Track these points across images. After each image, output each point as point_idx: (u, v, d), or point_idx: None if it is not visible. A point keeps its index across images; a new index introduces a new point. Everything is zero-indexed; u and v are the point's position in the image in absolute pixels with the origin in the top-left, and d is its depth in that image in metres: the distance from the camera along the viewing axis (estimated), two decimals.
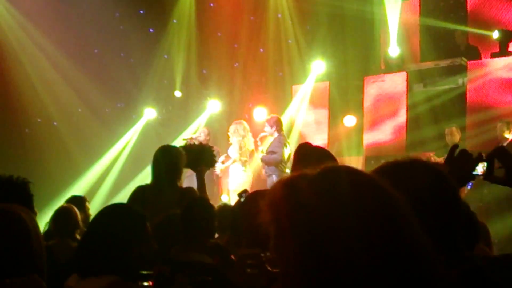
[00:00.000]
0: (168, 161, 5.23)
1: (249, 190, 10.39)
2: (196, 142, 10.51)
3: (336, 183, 1.33)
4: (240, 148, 10.37)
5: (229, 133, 10.66)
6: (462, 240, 1.92)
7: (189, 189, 5.44)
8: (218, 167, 10.46)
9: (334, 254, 1.25)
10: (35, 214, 3.30)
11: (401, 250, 1.27)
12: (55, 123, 12.78)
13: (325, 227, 1.28)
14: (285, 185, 1.38)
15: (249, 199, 3.76)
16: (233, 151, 10.49)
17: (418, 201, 1.80)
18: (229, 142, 10.63)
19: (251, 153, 10.64)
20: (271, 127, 10.11)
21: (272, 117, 10.41)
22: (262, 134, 10.39)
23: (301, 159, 3.74)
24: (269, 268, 2.48)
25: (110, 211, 3.07)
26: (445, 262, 1.52)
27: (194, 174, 10.37)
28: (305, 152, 3.80)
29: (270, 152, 9.94)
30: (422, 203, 1.82)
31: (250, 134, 10.59)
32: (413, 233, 1.31)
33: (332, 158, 3.67)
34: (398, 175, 1.90)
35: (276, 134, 10.13)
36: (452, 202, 1.91)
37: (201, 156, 5.41)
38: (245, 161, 10.46)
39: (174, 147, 5.50)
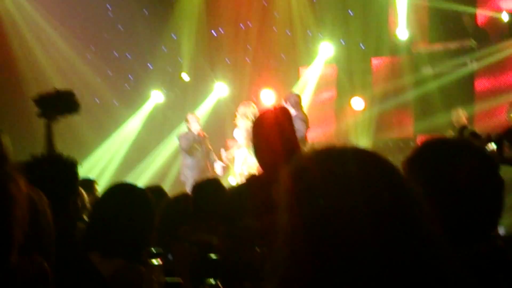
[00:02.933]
0: None
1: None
2: (191, 134, 10.53)
3: (344, 162, 1.33)
4: (248, 131, 10.33)
5: (237, 114, 10.54)
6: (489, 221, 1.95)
7: None
8: (219, 164, 10.40)
9: (340, 233, 1.25)
10: (78, 195, 3.30)
11: (407, 231, 1.26)
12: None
13: (331, 206, 1.28)
14: (295, 164, 1.38)
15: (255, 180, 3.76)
16: (239, 134, 10.40)
17: (462, 182, 1.84)
18: (234, 123, 10.53)
19: None
20: (293, 106, 9.99)
21: (291, 95, 10.31)
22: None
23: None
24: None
25: (115, 192, 3.07)
26: (469, 243, 1.52)
27: (194, 161, 10.40)
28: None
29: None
30: (464, 184, 1.84)
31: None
32: (420, 214, 1.30)
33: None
34: (447, 154, 1.91)
35: (294, 112, 10.01)
36: (496, 189, 1.93)
37: (58, 103, 4.81)
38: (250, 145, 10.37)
39: None
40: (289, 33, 13.59)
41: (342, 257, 1.25)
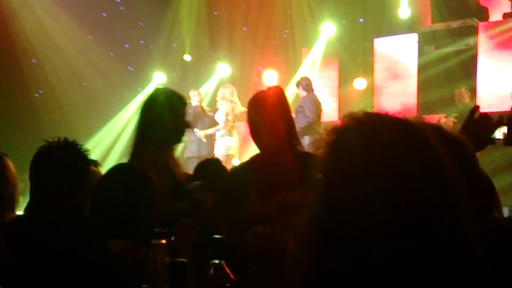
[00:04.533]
0: None
1: (236, 155, 10.51)
2: (191, 108, 10.57)
3: (380, 128, 1.33)
4: (227, 114, 10.33)
5: (216, 98, 10.62)
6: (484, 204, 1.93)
7: None
8: (200, 133, 10.46)
9: (383, 206, 1.24)
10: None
11: (446, 206, 1.26)
12: (64, 88, 12.78)
13: (361, 171, 1.27)
14: (335, 131, 1.37)
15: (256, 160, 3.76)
16: (219, 117, 10.42)
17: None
18: (216, 107, 10.58)
19: (241, 115, 10.55)
20: (304, 88, 10.01)
21: (302, 79, 10.36)
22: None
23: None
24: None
25: (116, 173, 3.09)
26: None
27: (199, 138, 10.42)
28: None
29: (299, 112, 9.76)
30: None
31: (237, 98, 10.53)
32: (457, 191, 1.30)
33: None
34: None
35: (304, 93, 10.03)
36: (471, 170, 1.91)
37: None
38: (232, 126, 10.42)
39: None
40: (291, 14, 13.54)
41: (368, 233, 1.24)
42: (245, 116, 10.67)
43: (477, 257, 1.27)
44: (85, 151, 3.06)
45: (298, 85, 10.31)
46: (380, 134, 1.32)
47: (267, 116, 3.54)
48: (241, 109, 10.39)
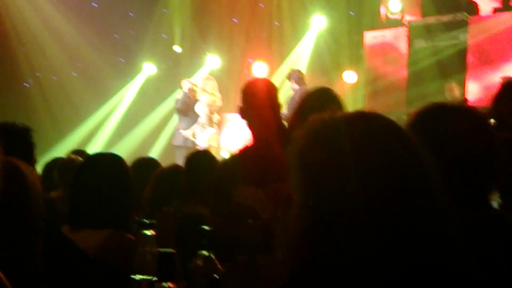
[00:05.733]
0: None
1: (216, 147, 10.54)
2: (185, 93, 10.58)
3: (353, 125, 1.34)
4: (208, 106, 10.32)
5: (196, 89, 10.59)
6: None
7: None
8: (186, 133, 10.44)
9: (352, 198, 1.25)
10: (35, 162, 3.28)
11: (419, 199, 1.27)
12: (54, 78, 12.74)
13: (336, 169, 1.28)
14: (310, 126, 1.38)
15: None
16: (200, 108, 10.38)
17: (458, 146, 1.83)
18: (196, 98, 10.55)
19: (219, 110, 10.58)
20: (296, 82, 9.97)
21: (293, 71, 10.33)
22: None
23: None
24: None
25: (89, 163, 3.10)
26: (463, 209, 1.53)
27: (190, 121, 10.35)
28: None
29: (291, 105, 9.75)
30: (462, 148, 1.84)
31: (218, 91, 10.54)
32: (431, 183, 1.31)
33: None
34: (442, 118, 1.92)
35: (296, 86, 10.01)
36: (491, 150, 1.92)
37: None
38: (211, 117, 10.41)
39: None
40: (281, 6, 13.52)
41: (355, 223, 1.24)
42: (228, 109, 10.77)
43: (458, 246, 1.29)
44: (26, 130, 3.01)
45: (289, 78, 10.29)
46: (365, 126, 1.34)
47: (258, 109, 3.54)
48: (220, 102, 10.44)
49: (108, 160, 3.07)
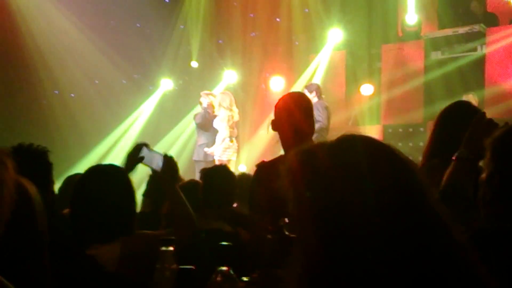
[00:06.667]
0: None
1: (235, 161, 10.55)
2: (205, 108, 10.60)
3: (352, 151, 1.33)
4: (227, 121, 10.33)
5: (214, 104, 10.59)
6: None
7: None
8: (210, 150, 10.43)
9: (347, 222, 1.26)
10: (53, 182, 3.25)
11: (416, 221, 1.27)
12: (72, 95, 12.84)
13: (339, 195, 1.28)
14: (304, 151, 1.38)
15: (264, 167, 3.74)
16: (219, 123, 10.38)
17: None
18: (214, 114, 10.55)
19: (236, 125, 10.60)
20: (311, 93, 9.95)
21: (312, 84, 10.33)
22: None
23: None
24: (287, 233, 2.49)
25: (88, 175, 2.97)
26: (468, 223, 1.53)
27: (207, 143, 10.38)
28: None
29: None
30: None
31: (235, 106, 10.55)
32: (429, 204, 1.31)
33: None
34: None
35: (315, 100, 10.01)
36: None
37: None
38: (232, 132, 10.40)
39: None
40: (298, 20, 13.55)
41: (348, 249, 1.25)
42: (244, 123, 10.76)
43: (467, 258, 1.29)
44: (43, 152, 3.00)
45: (308, 90, 10.24)
46: (361, 149, 1.34)
47: (290, 122, 3.49)
48: (237, 117, 10.47)
49: (105, 170, 3.00)
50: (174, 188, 3.11)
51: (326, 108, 9.94)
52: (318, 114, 9.70)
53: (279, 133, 3.57)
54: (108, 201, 2.79)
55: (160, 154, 3.09)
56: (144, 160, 2.96)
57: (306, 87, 10.35)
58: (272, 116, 3.64)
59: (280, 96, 3.78)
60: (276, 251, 2.61)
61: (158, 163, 3.08)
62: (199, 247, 3.53)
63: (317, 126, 9.55)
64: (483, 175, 2.06)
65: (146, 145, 3.14)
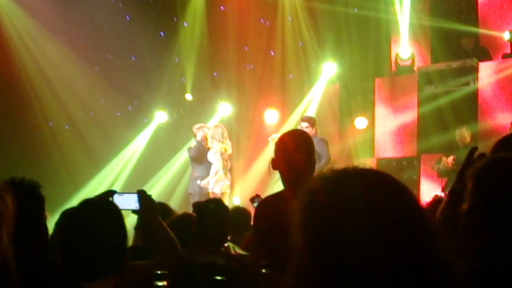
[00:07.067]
0: None
1: (229, 193, 10.52)
2: (199, 141, 10.59)
3: (347, 184, 1.33)
4: (222, 153, 10.33)
5: (208, 137, 10.59)
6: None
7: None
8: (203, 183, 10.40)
9: (342, 254, 1.26)
10: (45, 216, 3.20)
11: (412, 255, 1.26)
12: (66, 127, 12.84)
13: (334, 227, 1.28)
14: (304, 191, 1.39)
15: (266, 203, 3.73)
16: (212, 157, 10.37)
17: None
18: (208, 147, 10.54)
19: (230, 157, 10.60)
20: (312, 127, 9.86)
21: (312, 118, 10.25)
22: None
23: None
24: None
25: (85, 209, 2.87)
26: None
27: (204, 171, 10.36)
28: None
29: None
30: None
31: (228, 139, 10.56)
32: (427, 237, 1.30)
33: None
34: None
35: (311, 131, 9.94)
36: None
37: None
38: (225, 165, 10.39)
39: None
40: (292, 54, 13.65)
41: (348, 280, 1.25)
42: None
43: None
44: (35, 187, 2.99)
45: (311, 125, 10.03)
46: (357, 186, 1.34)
47: (290, 161, 3.48)
48: (230, 150, 10.47)
49: (97, 205, 2.93)
50: (156, 221, 3.23)
51: (325, 141, 9.89)
52: (321, 149, 9.65)
53: (280, 172, 3.57)
54: (100, 236, 2.72)
55: (134, 194, 3.22)
56: (120, 207, 2.93)
57: (308, 121, 10.18)
58: (271, 153, 3.65)
59: (274, 129, 3.81)
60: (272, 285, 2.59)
61: (134, 203, 3.21)
62: (193, 281, 3.51)
63: (323, 161, 9.57)
64: (464, 206, 2.06)
65: (114, 192, 3.24)
